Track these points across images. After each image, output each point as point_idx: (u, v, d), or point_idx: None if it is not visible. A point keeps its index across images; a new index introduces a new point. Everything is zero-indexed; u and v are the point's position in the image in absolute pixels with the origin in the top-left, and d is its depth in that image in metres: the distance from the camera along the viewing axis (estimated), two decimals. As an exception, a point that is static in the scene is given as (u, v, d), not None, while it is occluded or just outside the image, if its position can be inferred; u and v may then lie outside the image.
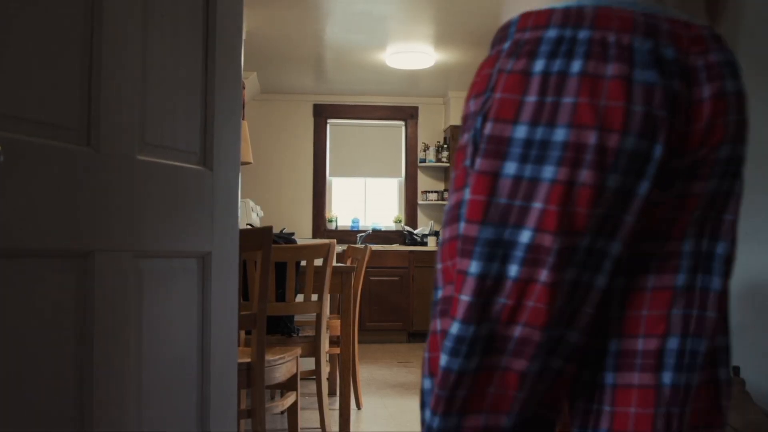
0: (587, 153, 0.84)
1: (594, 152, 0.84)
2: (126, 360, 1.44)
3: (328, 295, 3.29)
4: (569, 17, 0.87)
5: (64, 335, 1.31)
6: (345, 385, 3.40)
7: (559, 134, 0.84)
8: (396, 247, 7.13)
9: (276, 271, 3.08)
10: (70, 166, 1.31)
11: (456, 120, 7.70)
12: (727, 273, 0.92)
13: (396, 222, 7.79)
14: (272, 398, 3.98)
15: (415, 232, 7.72)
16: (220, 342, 1.72)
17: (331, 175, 7.85)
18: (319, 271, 3.20)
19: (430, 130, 8.01)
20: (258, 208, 5.82)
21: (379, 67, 6.63)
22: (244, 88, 5.43)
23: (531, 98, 0.86)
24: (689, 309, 0.91)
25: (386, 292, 7.04)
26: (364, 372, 5.26)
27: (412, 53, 6.16)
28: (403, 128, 8.00)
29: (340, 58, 6.40)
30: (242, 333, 3.12)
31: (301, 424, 3.49)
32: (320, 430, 3.23)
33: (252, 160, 5.02)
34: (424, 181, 8.03)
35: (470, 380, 0.90)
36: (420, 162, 7.92)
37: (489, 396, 0.91)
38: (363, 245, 4.31)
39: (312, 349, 3.24)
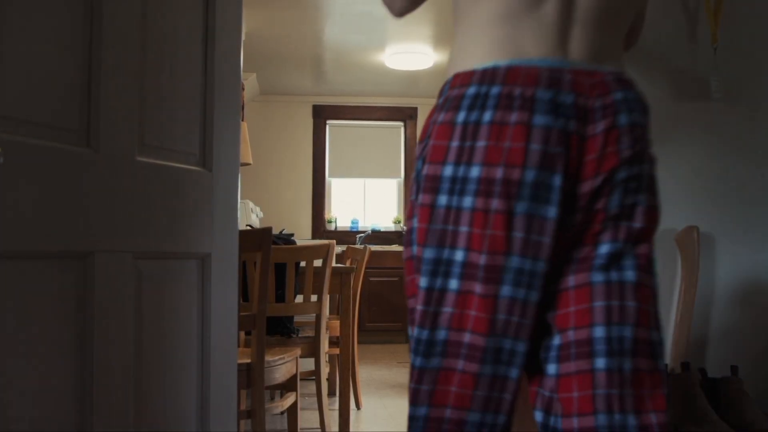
0: (496, 185, 1.03)
1: (501, 184, 1.03)
2: (126, 360, 1.45)
3: (328, 296, 3.29)
4: (485, 76, 1.07)
5: (65, 335, 1.31)
6: (344, 386, 3.41)
7: (475, 171, 1.04)
8: (395, 247, 7.13)
9: (275, 271, 3.08)
10: (70, 168, 1.32)
11: (455, 120, 7.71)
12: (641, 267, 1.07)
13: (395, 223, 7.79)
14: (272, 399, 3.98)
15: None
16: (219, 342, 1.72)
17: (330, 176, 7.85)
18: (319, 272, 3.21)
19: (430, 131, 8.01)
20: (257, 209, 5.83)
21: (378, 67, 6.64)
22: (243, 89, 5.43)
23: (455, 143, 1.06)
24: (609, 301, 1.05)
25: (385, 293, 7.04)
26: (363, 372, 5.27)
27: (411, 54, 6.16)
28: (403, 129, 8.00)
29: (339, 59, 6.40)
30: (242, 333, 3.13)
31: (300, 424, 3.50)
32: (320, 430, 3.24)
33: (251, 161, 5.02)
34: (423, 182, 8.03)
35: (433, 377, 1.08)
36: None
37: (452, 393, 1.07)
38: (362, 246, 4.32)
39: (311, 349, 3.24)
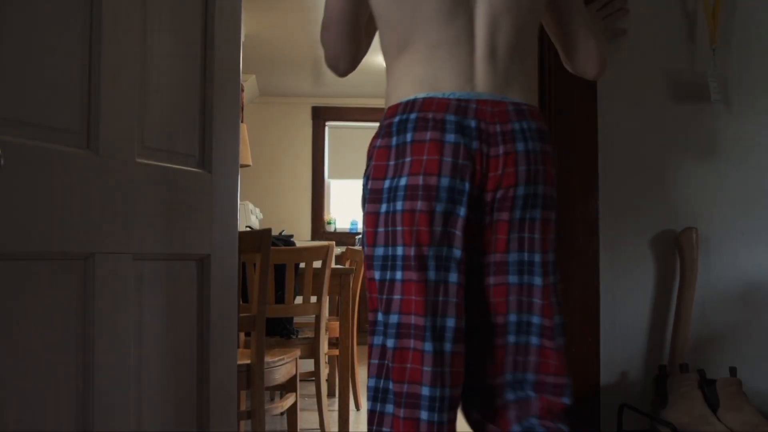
0: (419, 191, 1.28)
1: (423, 190, 1.27)
2: (126, 361, 1.45)
3: (327, 297, 3.29)
4: (407, 107, 1.33)
5: (65, 337, 1.32)
6: (344, 387, 3.41)
7: (403, 181, 1.29)
8: (395, 248, 7.11)
9: (275, 273, 3.09)
10: (70, 169, 1.32)
11: (454, 122, 7.70)
12: (545, 273, 1.34)
13: (395, 224, 7.76)
14: (272, 399, 3.99)
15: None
16: (219, 344, 1.73)
17: (329, 178, 7.86)
18: (318, 273, 3.21)
19: (429, 132, 8.01)
20: (257, 210, 5.83)
21: (377, 69, 6.64)
22: (242, 90, 5.43)
23: (391, 162, 1.32)
24: (520, 297, 1.35)
25: (385, 294, 7.02)
26: (362, 373, 5.27)
27: (411, 55, 6.16)
28: (402, 130, 8.00)
29: (338, 60, 6.40)
30: (242, 335, 3.13)
31: (300, 425, 3.50)
32: (319, 431, 3.24)
33: (251, 163, 5.02)
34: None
35: (391, 356, 1.30)
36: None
37: (407, 369, 1.28)
38: (361, 247, 4.30)
39: (311, 350, 3.24)
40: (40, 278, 1.27)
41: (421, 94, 1.32)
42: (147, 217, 1.51)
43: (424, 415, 1.26)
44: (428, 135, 1.28)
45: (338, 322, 3.70)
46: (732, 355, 2.12)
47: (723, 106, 2.17)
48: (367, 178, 1.37)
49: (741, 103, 2.18)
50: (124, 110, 1.45)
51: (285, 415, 3.36)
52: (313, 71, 6.81)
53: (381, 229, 1.32)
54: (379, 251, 1.32)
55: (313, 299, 3.21)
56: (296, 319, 3.86)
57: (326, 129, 7.85)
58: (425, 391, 1.26)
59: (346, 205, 7.93)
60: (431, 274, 1.27)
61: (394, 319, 1.29)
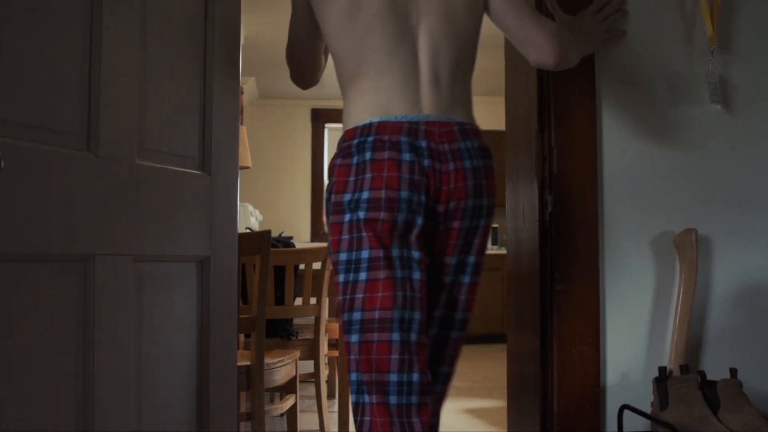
0: (381, 203, 1.42)
1: (385, 202, 1.42)
2: (126, 363, 1.45)
3: (327, 298, 3.29)
4: (363, 130, 1.47)
5: (65, 338, 1.32)
6: (344, 388, 3.41)
7: (365, 194, 1.43)
8: (394, 250, 7.12)
9: (275, 274, 3.09)
10: (71, 171, 1.32)
11: (454, 123, 7.71)
12: (475, 273, 1.55)
13: (394, 225, 7.77)
14: (271, 401, 3.98)
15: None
16: (219, 345, 1.73)
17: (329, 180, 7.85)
18: (318, 275, 3.21)
19: (428, 134, 8.01)
20: (257, 212, 5.83)
21: (377, 71, 6.65)
22: (242, 93, 5.43)
23: (351, 178, 1.46)
24: (450, 294, 1.54)
25: (385, 296, 7.02)
26: (362, 375, 5.26)
27: (410, 57, 6.16)
28: (401, 132, 8.01)
29: (337, 62, 6.41)
30: (241, 336, 3.13)
31: (300, 426, 3.49)
32: (319, 433, 3.24)
33: (250, 165, 5.03)
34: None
35: (357, 350, 1.43)
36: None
37: (373, 360, 1.41)
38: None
39: (311, 351, 3.24)
40: (40, 279, 1.27)
41: (376, 119, 1.47)
42: (147, 218, 1.51)
43: (393, 399, 1.39)
44: (386, 154, 1.44)
45: (338, 324, 3.70)
46: (732, 356, 2.12)
47: (722, 108, 2.17)
48: (329, 192, 1.51)
49: (740, 105, 2.18)
50: (124, 112, 1.46)
51: (285, 417, 3.36)
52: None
53: (345, 237, 1.46)
54: (343, 256, 1.46)
55: (313, 300, 3.21)
56: (296, 321, 3.86)
57: (325, 131, 7.85)
58: (393, 377, 1.40)
59: (345, 207, 7.91)
60: (398, 272, 1.43)
61: (357, 316, 1.43)
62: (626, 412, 2.00)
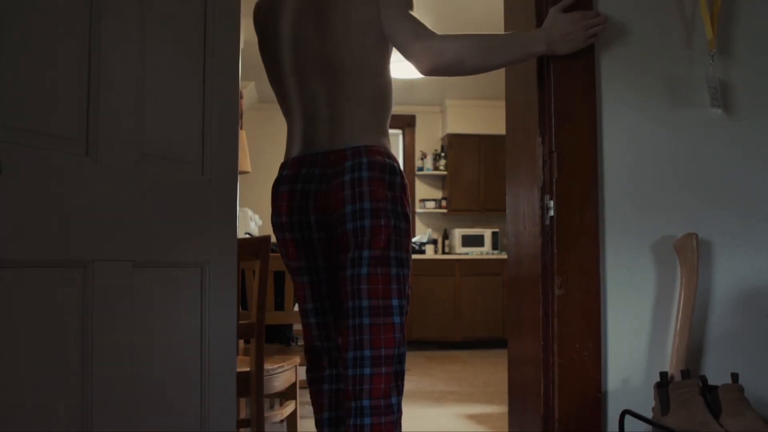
0: (284, 225, 1.87)
1: (284, 224, 1.87)
2: (126, 369, 1.44)
3: (327, 304, 3.28)
4: (282, 166, 1.92)
5: (65, 344, 1.31)
6: (344, 394, 3.39)
7: (275, 218, 1.88)
8: (394, 255, 7.11)
9: (274, 280, 3.08)
10: (70, 176, 1.32)
11: (453, 128, 7.72)
12: (370, 264, 1.72)
13: (394, 230, 7.77)
14: (271, 407, 3.97)
15: (413, 240, 7.71)
16: (219, 351, 1.72)
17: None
18: (318, 280, 3.20)
19: (428, 139, 8.02)
20: (256, 217, 5.83)
21: (377, 75, 6.65)
22: (241, 97, 5.43)
23: (276, 203, 1.89)
24: (352, 286, 1.74)
25: (385, 301, 7.02)
26: (362, 380, 5.25)
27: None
28: (401, 136, 8.02)
29: (337, 67, 6.41)
30: (241, 342, 3.12)
31: (300, 433, 3.48)
32: (319, 439, 3.23)
33: (250, 169, 5.02)
34: (421, 190, 8.04)
35: (304, 329, 1.95)
36: (417, 170, 7.94)
37: (309, 335, 1.94)
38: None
39: (311, 357, 3.23)
40: (39, 285, 1.26)
41: (285, 157, 1.93)
42: (146, 224, 1.50)
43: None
44: (283, 187, 1.87)
45: (338, 329, 3.69)
46: (734, 361, 2.11)
47: (722, 112, 2.16)
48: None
49: (740, 109, 2.18)
50: (123, 117, 1.45)
51: (285, 423, 3.35)
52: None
53: (277, 249, 2.04)
54: (286, 264, 1.95)
55: (313, 306, 3.19)
56: (295, 326, 3.85)
57: (325, 135, 7.84)
58: (318, 342, 1.94)
59: (345, 212, 7.91)
60: (305, 278, 1.90)
61: (299, 307, 1.98)
62: (627, 418, 2.00)
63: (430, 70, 1.78)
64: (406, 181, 1.83)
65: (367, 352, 1.71)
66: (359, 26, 1.77)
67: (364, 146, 1.76)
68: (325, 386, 1.92)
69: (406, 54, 1.78)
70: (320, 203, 1.79)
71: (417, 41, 1.77)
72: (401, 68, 6.24)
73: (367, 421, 1.69)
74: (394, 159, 1.81)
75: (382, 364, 1.71)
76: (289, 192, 1.83)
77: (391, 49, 1.85)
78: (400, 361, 1.77)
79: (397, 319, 1.73)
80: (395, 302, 1.73)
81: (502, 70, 2.52)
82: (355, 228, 1.73)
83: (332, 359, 1.92)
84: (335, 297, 1.87)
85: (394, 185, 1.77)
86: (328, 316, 1.89)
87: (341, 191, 1.74)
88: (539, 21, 2.13)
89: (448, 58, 1.77)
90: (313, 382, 1.95)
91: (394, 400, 1.72)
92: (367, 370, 1.71)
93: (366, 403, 1.70)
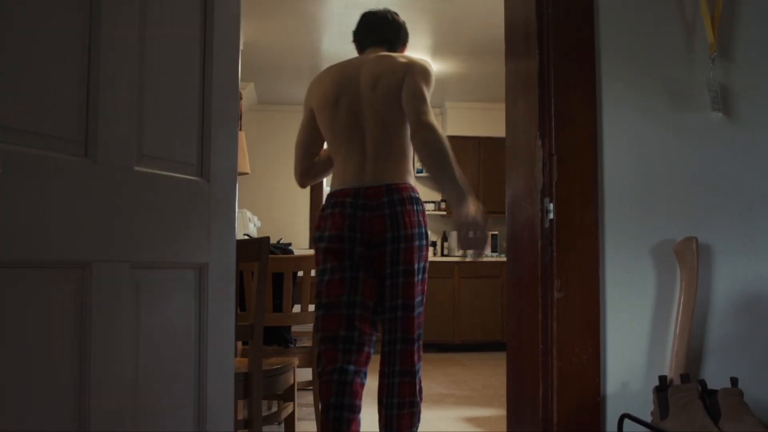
0: (331, 237, 2.36)
1: (332, 237, 2.36)
2: (123, 370, 1.44)
3: (325, 306, 3.27)
4: (330, 196, 2.42)
5: (62, 345, 1.31)
6: (342, 396, 3.38)
7: (323, 232, 2.40)
8: (393, 257, 7.11)
9: (273, 281, 3.08)
10: (69, 178, 1.32)
11: (453, 130, 7.72)
12: (403, 275, 2.33)
13: (393, 232, 7.76)
14: (269, 409, 3.96)
15: (412, 242, 7.69)
16: (217, 352, 1.72)
17: (328, 185, 7.85)
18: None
19: (427, 141, 8.00)
20: (255, 218, 5.82)
21: (376, 77, 6.64)
22: (241, 98, 5.43)
23: (322, 224, 2.42)
24: (391, 290, 2.33)
25: (383, 303, 7.01)
26: (361, 383, 5.24)
27: (409, 64, 6.16)
28: (400, 138, 8.00)
29: (337, 68, 6.41)
30: (239, 343, 3.12)
31: (298, 435, 3.47)
32: (317, 441, 3.22)
33: (249, 171, 5.02)
34: (420, 191, 8.02)
35: (320, 319, 2.40)
36: (417, 172, 7.92)
37: (331, 326, 2.37)
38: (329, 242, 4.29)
39: (309, 359, 3.23)
40: (37, 286, 1.26)
41: (333, 188, 2.46)
42: (145, 225, 1.50)
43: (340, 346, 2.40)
44: (337, 210, 2.38)
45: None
46: (733, 365, 2.11)
47: (722, 115, 2.16)
48: (315, 230, 2.48)
49: (740, 112, 2.17)
50: (122, 118, 1.45)
51: (283, 425, 3.35)
52: (312, 79, 6.81)
53: (318, 257, 2.45)
54: (319, 267, 2.43)
55: (311, 308, 3.19)
56: (294, 328, 3.84)
57: (324, 137, 7.84)
58: (342, 333, 2.39)
59: (344, 214, 7.90)
60: (345, 281, 2.38)
61: (323, 301, 2.40)
62: (626, 421, 1.99)
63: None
64: (424, 205, 2.44)
65: (399, 335, 2.37)
66: (400, 100, 2.40)
67: (394, 184, 2.37)
68: (335, 377, 2.35)
69: (419, 120, 2.37)
70: (365, 227, 2.35)
71: (429, 121, 2.38)
72: (401, 70, 6.24)
73: (396, 380, 2.37)
74: (416, 191, 2.43)
75: (408, 342, 2.37)
76: (340, 215, 2.36)
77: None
78: (419, 338, 2.41)
79: (418, 311, 2.39)
80: (417, 299, 2.38)
81: (503, 72, 2.51)
82: (393, 249, 2.35)
83: (347, 350, 2.37)
84: (369, 295, 2.40)
85: (417, 212, 2.38)
86: (357, 309, 2.37)
87: (382, 221, 2.34)
88: (539, 21, 2.13)
89: (439, 137, 2.31)
90: (324, 373, 2.37)
91: (417, 366, 2.39)
92: (398, 346, 2.37)
93: (397, 368, 2.37)
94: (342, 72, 2.58)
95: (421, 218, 2.39)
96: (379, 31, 2.67)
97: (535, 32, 2.16)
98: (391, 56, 2.50)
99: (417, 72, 2.40)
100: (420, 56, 5.93)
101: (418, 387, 2.40)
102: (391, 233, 2.32)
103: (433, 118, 2.36)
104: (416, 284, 2.36)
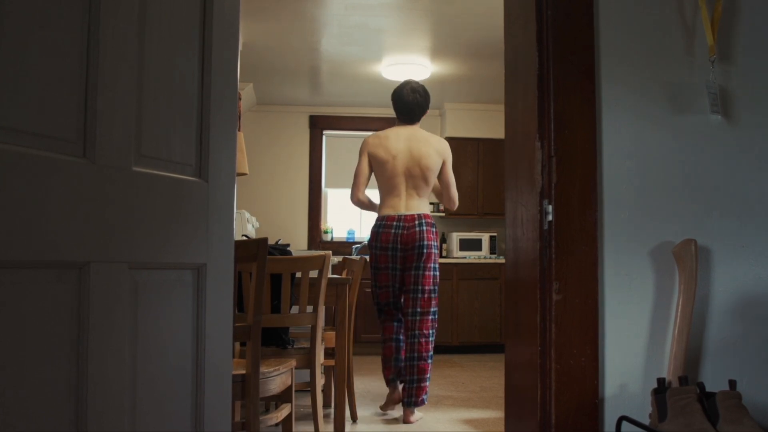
0: (383, 248, 4.17)
1: (385, 247, 4.17)
2: (121, 371, 1.44)
3: (323, 307, 3.28)
4: (380, 219, 4.24)
5: (59, 346, 1.30)
6: (340, 397, 3.39)
7: (379, 243, 4.18)
8: (391, 258, 7.10)
9: (271, 282, 3.07)
10: (67, 178, 1.31)
11: (452, 131, 7.71)
12: (424, 269, 4.13)
13: (391, 233, 7.76)
14: (267, 410, 3.96)
15: (410, 243, 7.69)
16: (214, 353, 1.71)
17: (326, 187, 7.85)
18: (314, 283, 3.20)
19: (426, 142, 7.99)
20: (254, 219, 5.82)
21: (375, 79, 6.65)
22: (240, 99, 5.42)
23: (373, 239, 4.26)
24: (415, 279, 4.14)
25: (381, 304, 7.01)
26: (359, 384, 5.25)
27: (408, 65, 6.17)
28: (399, 140, 8.00)
29: (335, 70, 6.41)
30: (237, 345, 3.11)
31: (295, 436, 3.47)
32: (315, 442, 3.21)
33: (248, 172, 5.01)
34: (419, 193, 8.02)
35: (377, 295, 4.30)
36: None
37: (385, 300, 4.27)
38: (358, 257, 4.32)
39: (307, 360, 3.23)
40: (34, 287, 1.25)
41: (384, 214, 4.17)
42: (143, 225, 1.49)
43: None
44: (388, 229, 4.11)
45: (334, 333, 3.68)
46: (732, 367, 2.10)
47: (722, 118, 2.16)
48: (369, 240, 4.23)
49: (740, 115, 2.17)
50: (120, 119, 1.44)
51: (280, 426, 3.34)
52: (311, 80, 6.81)
53: (372, 258, 4.20)
54: (372, 265, 4.19)
55: (309, 309, 3.19)
56: (292, 329, 3.84)
57: (323, 138, 7.84)
58: (390, 299, 4.26)
59: (343, 215, 7.92)
60: (391, 268, 4.14)
61: (377, 289, 4.24)
62: (625, 423, 1.99)
63: (453, 208, 4.42)
64: (437, 227, 4.22)
65: (419, 309, 4.10)
66: (436, 161, 4.20)
67: (422, 213, 4.15)
68: (395, 323, 4.26)
69: (449, 195, 4.33)
70: (403, 240, 4.09)
71: (455, 193, 4.37)
72: (400, 71, 6.24)
73: (416, 340, 4.04)
74: (432, 217, 4.19)
75: (425, 314, 4.10)
76: (391, 233, 4.10)
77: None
78: (435, 313, 4.15)
79: (433, 295, 4.14)
80: (432, 287, 4.14)
81: (502, 74, 2.51)
82: (419, 253, 4.08)
83: (395, 309, 4.24)
84: (402, 282, 4.17)
85: (435, 232, 4.15)
86: (397, 290, 4.19)
87: (414, 235, 4.07)
88: (539, 22, 2.13)
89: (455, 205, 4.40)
90: (386, 321, 4.27)
91: (431, 331, 4.10)
92: (418, 317, 4.07)
93: (417, 333, 4.05)
94: (397, 138, 4.20)
95: (436, 234, 4.17)
96: (419, 113, 4.26)
97: (534, 34, 2.16)
98: (430, 141, 4.20)
99: (449, 160, 4.26)
100: (419, 58, 5.96)
101: (431, 346, 4.10)
102: (419, 242, 4.08)
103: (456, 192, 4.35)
104: (433, 276, 4.16)
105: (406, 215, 4.07)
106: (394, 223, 4.05)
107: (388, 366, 4.17)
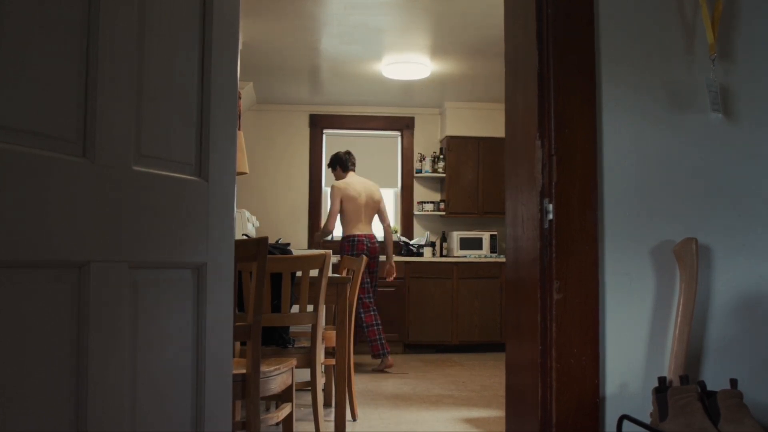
0: (361, 252, 6.10)
1: (359, 255, 5.97)
2: (121, 370, 1.43)
3: (324, 306, 3.28)
4: (353, 236, 6.24)
5: (59, 346, 1.30)
6: (340, 397, 3.39)
7: (357, 251, 6.13)
8: (392, 257, 7.10)
9: (271, 281, 3.07)
10: (66, 177, 1.31)
11: (452, 130, 7.71)
12: (378, 270, 6.30)
13: (392, 232, 7.77)
14: (267, 410, 3.96)
15: (411, 242, 7.70)
16: (215, 353, 1.71)
17: (326, 186, 7.84)
18: (315, 282, 3.19)
19: (426, 141, 8.01)
20: (254, 218, 5.81)
21: (375, 77, 6.65)
22: (240, 98, 5.42)
23: (357, 246, 6.27)
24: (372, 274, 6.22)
25: (382, 303, 7.02)
26: (359, 383, 5.25)
27: (408, 64, 6.17)
28: (399, 139, 8.01)
29: (336, 68, 6.41)
30: (237, 344, 3.11)
31: (296, 435, 3.47)
32: (315, 441, 3.21)
33: (248, 171, 5.01)
34: (420, 192, 8.03)
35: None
36: (416, 172, 7.92)
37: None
38: (358, 256, 4.30)
39: (307, 360, 3.22)
40: (33, 286, 1.25)
41: (355, 233, 6.16)
42: (143, 224, 1.49)
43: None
44: (362, 243, 6.13)
45: (334, 332, 3.68)
46: (733, 367, 2.10)
47: (722, 116, 2.16)
48: (345, 248, 6.17)
49: (740, 113, 2.17)
50: (120, 118, 1.44)
51: (281, 426, 3.34)
52: (311, 79, 6.81)
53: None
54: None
55: (310, 308, 3.19)
56: (292, 329, 3.84)
57: (324, 137, 7.84)
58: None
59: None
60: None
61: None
62: (625, 423, 1.99)
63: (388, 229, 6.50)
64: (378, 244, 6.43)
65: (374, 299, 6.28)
66: (378, 209, 6.35)
67: (374, 233, 6.21)
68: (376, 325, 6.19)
69: (387, 219, 6.41)
70: (370, 250, 6.06)
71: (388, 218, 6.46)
72: (400, 70, 6.24)
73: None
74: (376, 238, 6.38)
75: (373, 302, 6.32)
76: (364, 245, 6.06)
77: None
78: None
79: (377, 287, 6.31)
80: (377, 282, 6.21)
81: (502, 72, 2.51)
82: (377, 259, 6.09)
83: (373, 307, 6.15)
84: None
85: (378, 245, 6.24)
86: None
87: (376, 248, 6.12)
88: (539, 22, 2.13)
89: (390, 231, 6.51)
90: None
91: (374, 322, 6.25)
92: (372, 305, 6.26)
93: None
94: (356, 183, 6.14)
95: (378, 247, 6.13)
96: (354, 164, 6.22)
97: (534, 33, 2.16)
98: (372, 185, 6.25)
99: (383, 200, 6.32)
100: (419, 56, 5.96)
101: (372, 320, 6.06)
102: (377, 258, 5.94)
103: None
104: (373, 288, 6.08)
105: (369, 234, 6.14)
106: (365, 240, 6.08)
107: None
